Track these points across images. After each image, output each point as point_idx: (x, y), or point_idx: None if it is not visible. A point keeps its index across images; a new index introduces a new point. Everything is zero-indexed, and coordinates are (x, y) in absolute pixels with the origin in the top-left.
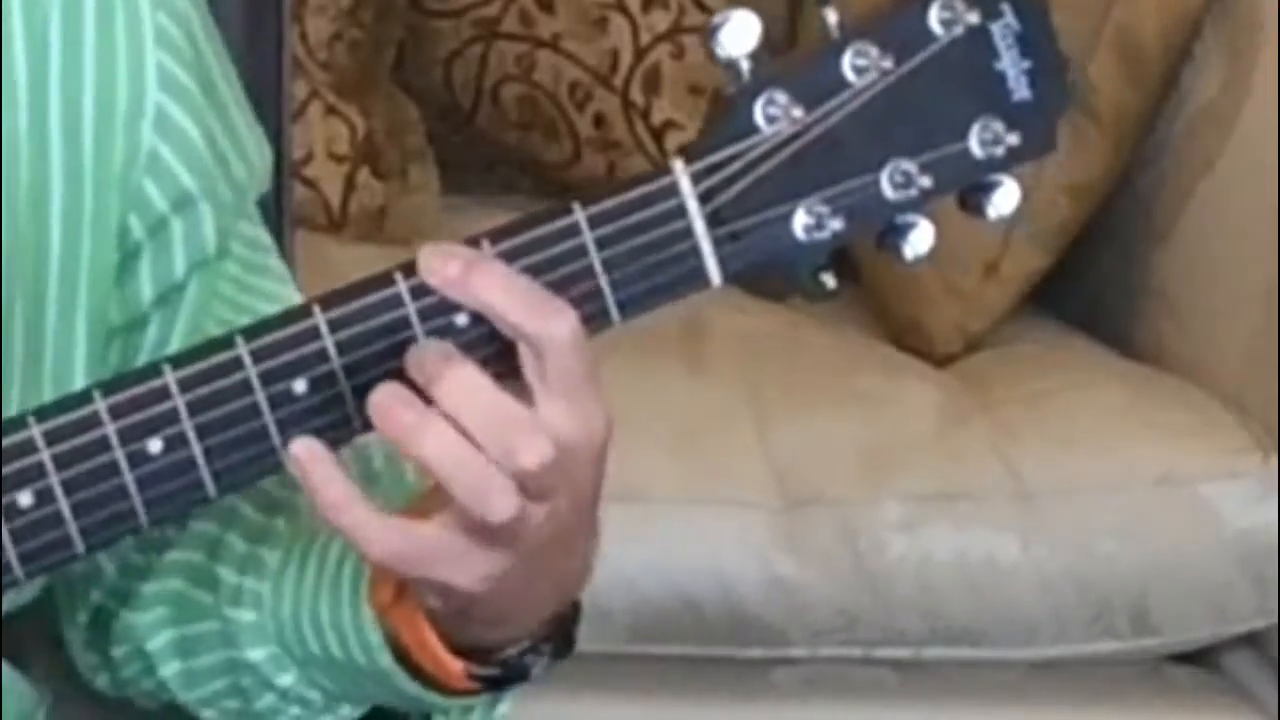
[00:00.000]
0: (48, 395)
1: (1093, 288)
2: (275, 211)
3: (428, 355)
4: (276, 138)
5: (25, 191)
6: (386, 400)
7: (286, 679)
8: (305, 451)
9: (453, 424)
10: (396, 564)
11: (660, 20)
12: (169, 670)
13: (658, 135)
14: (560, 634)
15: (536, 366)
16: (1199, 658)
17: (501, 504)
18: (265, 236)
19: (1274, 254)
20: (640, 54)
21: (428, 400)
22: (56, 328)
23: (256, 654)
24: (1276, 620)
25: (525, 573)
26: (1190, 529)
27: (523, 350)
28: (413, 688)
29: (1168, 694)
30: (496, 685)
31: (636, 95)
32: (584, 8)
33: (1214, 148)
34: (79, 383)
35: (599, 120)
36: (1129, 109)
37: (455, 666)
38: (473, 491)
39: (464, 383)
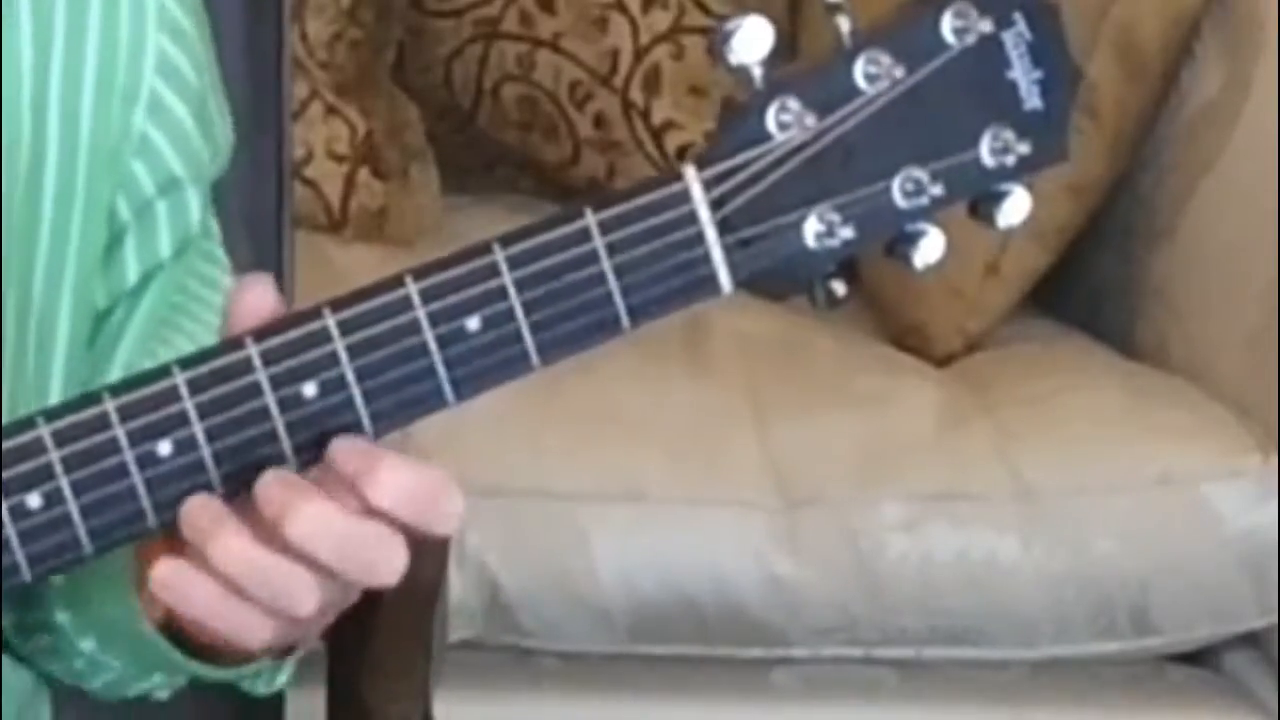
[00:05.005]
0: (30, 372)
1: (1093, 288)
2: (275, 211)
3: (274, 487)
4: (277, 138)
5: (22, 167)
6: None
7: (88, 644)
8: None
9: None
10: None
11: (660, 20)
12: (7, 620)
13: (658, 135)
14: None
15: None
16: (1199, 658)
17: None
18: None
19: (1274, 254)
20: (640, 54)
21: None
22: (42, 304)
23: (61, 616)
24: (1276, 620)
25: None
26: (1190, 529)
27: None
28: (179, 658)
29: (1168, 694)
30: (287, 650)
31: (636, 95)
32: (584, 8)
33: (1214, 148)
34: (59, 360)
35: (599, 120)
36: (1129, 108)
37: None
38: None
39: (316, 516)
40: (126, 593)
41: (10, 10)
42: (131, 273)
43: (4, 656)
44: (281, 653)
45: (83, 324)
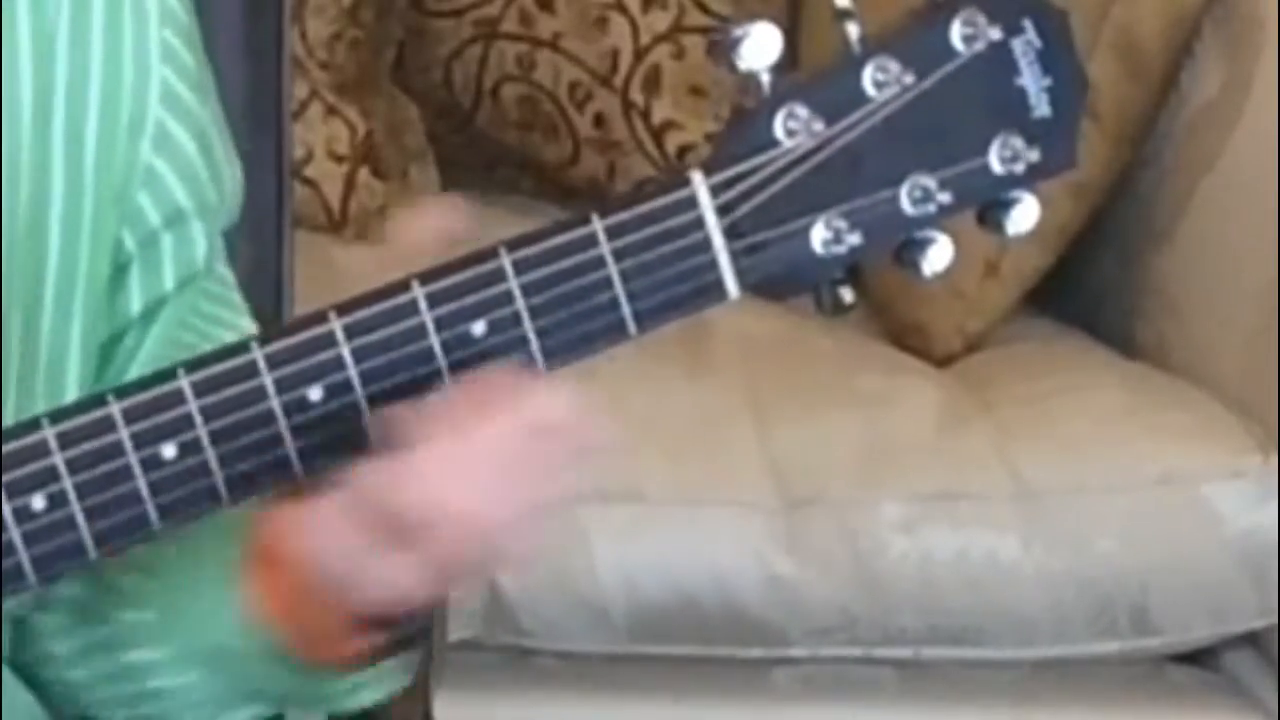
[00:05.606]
0: (40, 407)
1: (1093, 288)
2: (275, 211)
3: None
4: (277, 138)
5: (26, 202)
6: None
7: (171, 679)
8: None
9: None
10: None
11: (660, 20)
12: (74, 675)
13: (658, 135)
14: None
15: None
16: (1199, 658)
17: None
18: (227, 270)
19: (1274, 254)
20: (640, 54)
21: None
22: (50, 340)
23: (142, 655)
24: (1276, 620)
25: None
26: (1190, 529)
27: None
28: (266, 666)
29: (1168, 694)
30: (403, 642)
31: (636, 95)
32: (584, 8)
33: (1214, 148)
34: (70, 395)
35: (599, 120)
36: (1129, 108)
37: (358, 642)
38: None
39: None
40: (222, 585)
41: (10, 45)
42: (135, 304)
43: (4, 677)
44: (376, 655)
45: (92, 359)
